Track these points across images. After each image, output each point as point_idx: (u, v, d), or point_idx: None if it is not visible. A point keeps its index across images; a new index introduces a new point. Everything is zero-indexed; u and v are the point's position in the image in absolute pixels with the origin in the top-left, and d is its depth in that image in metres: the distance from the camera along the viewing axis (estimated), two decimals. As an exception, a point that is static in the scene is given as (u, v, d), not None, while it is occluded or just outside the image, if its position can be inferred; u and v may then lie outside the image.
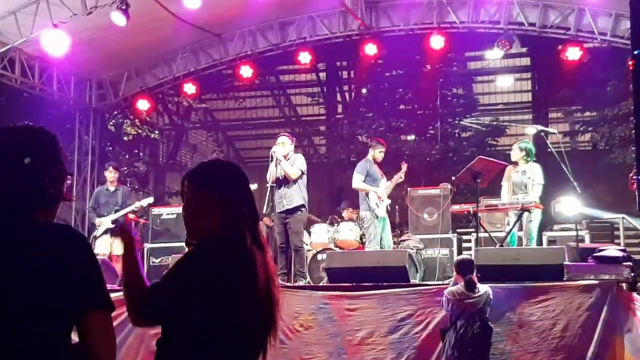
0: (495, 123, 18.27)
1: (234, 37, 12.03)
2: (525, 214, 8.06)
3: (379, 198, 8.95)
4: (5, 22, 9.99)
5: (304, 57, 12.04)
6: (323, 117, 21.52)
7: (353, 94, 20.65)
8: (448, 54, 14.93)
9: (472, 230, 8.88)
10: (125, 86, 12.76)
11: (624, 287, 6.28)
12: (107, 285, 2.08)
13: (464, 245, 9.92)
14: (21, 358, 1.91)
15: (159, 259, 9.71)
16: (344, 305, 6.83)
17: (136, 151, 17.87)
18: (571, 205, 8.95)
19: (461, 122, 17.56)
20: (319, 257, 9.27)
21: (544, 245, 8.93)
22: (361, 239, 9.64)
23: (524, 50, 15.82)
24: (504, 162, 8.71)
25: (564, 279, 6.48)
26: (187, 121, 20.72)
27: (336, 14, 11.64)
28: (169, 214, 10.13)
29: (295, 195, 8.23)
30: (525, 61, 19.77)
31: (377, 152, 9.25)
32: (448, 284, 6.69)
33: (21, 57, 10.93)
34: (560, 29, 10.86)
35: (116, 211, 9.70)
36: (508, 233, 8.24)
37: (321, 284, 8.22)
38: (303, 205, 8.30)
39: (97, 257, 2.11)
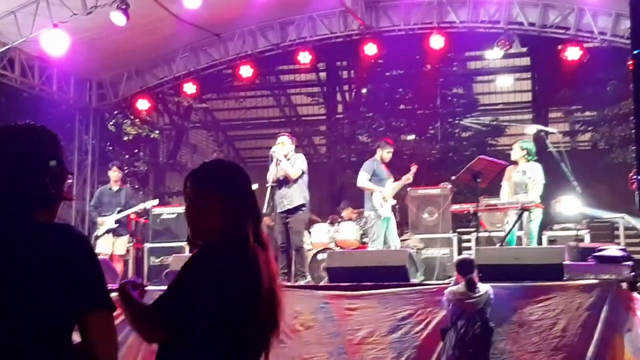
0: (495, 123, 18.21)
1: (234, 37, 12.03)
2: (526, 213, 8.04)
3: (383, 198, 8.95)
4: (5, 22, 9.97)
5: (304, 57, 12.05)
6: (323, 117, 21.49)
7: (353, 93, 20.62)
8: (448, 53, 14.90)
9: (472, 230, 8.89)
10: (125, 86, 12.76)
11: (624, 287, 6.27)
12: (108, 285, 2.07)
13: (464, 244, 9.93)
14: (21, 358, 1.91)
15: (159, 259, 9.71)
16: (345, 304, 6.82)
17: (136, 151, 17.82)
18: (571, 205, 8.96)
19: (461, 122, 17.54)
20: (320, 256, 9.27)
21: (544, 244, 8.92)
22: (361, 238, 9.64)
23: (524, 50, 15.77)
24: (504, 162, 8.71)
25: (564, 278, 6.47)
26: (187, 121, 20.70)
27: (336, 14, 11.64)
28: (169, 213, 10.14)
29: (296, 195, 8.23)
30: (525, 61, 19.73)
31: (385, 153, 9.24)
32: (448, 283, 6.67)
33: (21, 57, 10.92)
34: (560, 28, 10.86)
35: (119, 211, 9.72)
36: (508, 232, 8.23)
37: (321, 284, 8.21)
38: (304, 205, 8.30)
39: (98, 256, 2.10)
